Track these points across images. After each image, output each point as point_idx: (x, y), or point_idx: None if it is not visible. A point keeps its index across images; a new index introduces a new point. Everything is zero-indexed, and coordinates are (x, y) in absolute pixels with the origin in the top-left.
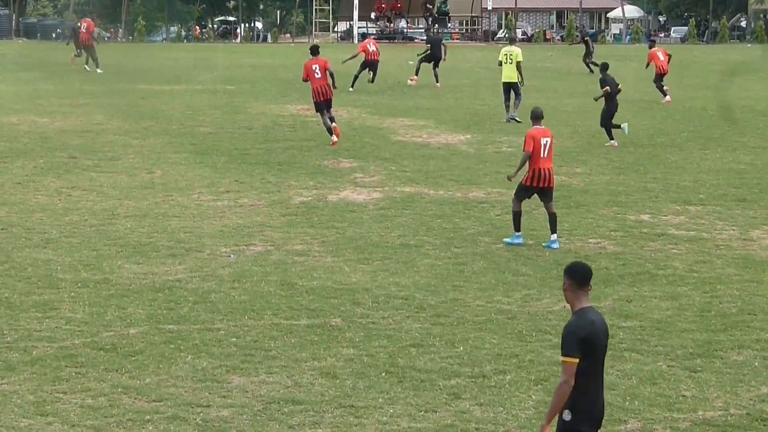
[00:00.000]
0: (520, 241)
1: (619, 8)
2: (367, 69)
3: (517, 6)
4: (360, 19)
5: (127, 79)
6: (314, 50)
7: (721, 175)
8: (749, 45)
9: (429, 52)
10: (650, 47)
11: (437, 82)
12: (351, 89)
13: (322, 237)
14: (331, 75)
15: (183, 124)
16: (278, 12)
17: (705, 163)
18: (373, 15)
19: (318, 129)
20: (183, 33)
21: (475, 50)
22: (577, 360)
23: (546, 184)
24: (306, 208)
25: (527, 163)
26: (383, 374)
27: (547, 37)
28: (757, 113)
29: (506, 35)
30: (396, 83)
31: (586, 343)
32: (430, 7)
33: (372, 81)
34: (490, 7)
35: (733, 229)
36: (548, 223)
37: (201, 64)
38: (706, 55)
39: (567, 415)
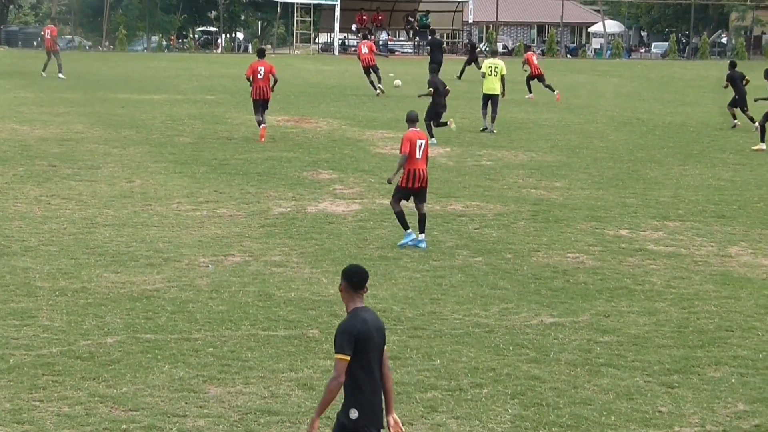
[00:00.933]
0: (411, 238)
1: (600, 23)
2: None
3: (498, 20)
4: (341, 30)
5: (107, 88)
6: (261, 53)
7: (701, 191)
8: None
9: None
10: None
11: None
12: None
13: (300, 248)
14: (275, 79)
15: (163, 133)
16: (259, 23)
17: (684, 179)
18: (354, 27)
19: (298, 140)
20: (164, 43)
21: (456, 63)
22: (348, 357)
23: (421, 185)
24: (285, 219)
25: (413, 162)
26: None
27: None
28: (736, 130)
29: (487, 48)
30: (376, 96)
31: (358, 341)
32: (412, 20)
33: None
34: (471, 21)
35: (712, 246)
36: (417, 223)
37: (182, 74)
38: (687, 71)
39: (353, 414)
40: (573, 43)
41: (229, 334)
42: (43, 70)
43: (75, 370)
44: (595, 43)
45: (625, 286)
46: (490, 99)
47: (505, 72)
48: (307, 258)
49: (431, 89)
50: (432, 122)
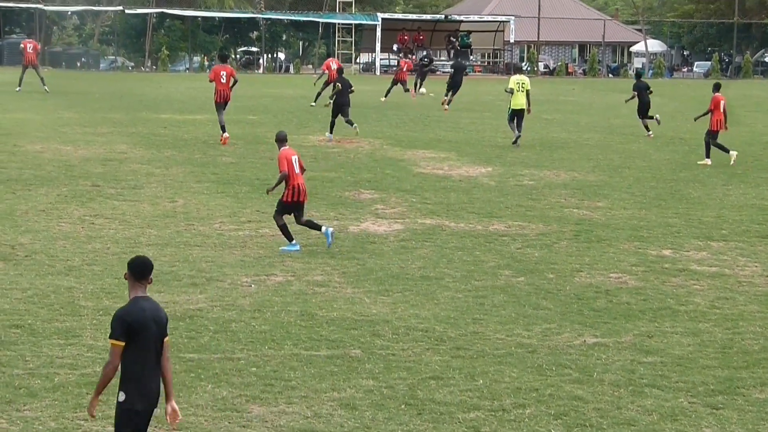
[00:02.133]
0: (296, 248)
1: (642, 42)
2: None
3: (540, 39)
4: (382, 50)
5: (150, 108)
6: (223, 58)
7: (744, 210)
8: None
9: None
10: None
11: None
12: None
13: (342, 268)
14: (235, 81)
15: (205, 153)
16: (301, 43)
17: (728, 198)
18: (395, 47)
19: (339, 160)
20: (206, 63)
21: (497, 83)
22: (121, 343)
23: (302, 198)
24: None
25: (285, 181)
26: (403, 406)
27: (570, 70)
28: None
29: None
30: (417, 115)
31: (132, 328)
32: (453, 39)
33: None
34: (512, 40)
35: (756, 266)
36: (310, 229)
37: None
38: (730, 90)
39: (121, 396)
40: (615, 62)
41: (271, 354)
42: (19, 85)
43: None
44: (637, 63)
45: (669, 306)
46: (516, 114)
47: (529, 87)
48: (349, 278)
49: (339, 85)
50: (335, 118)
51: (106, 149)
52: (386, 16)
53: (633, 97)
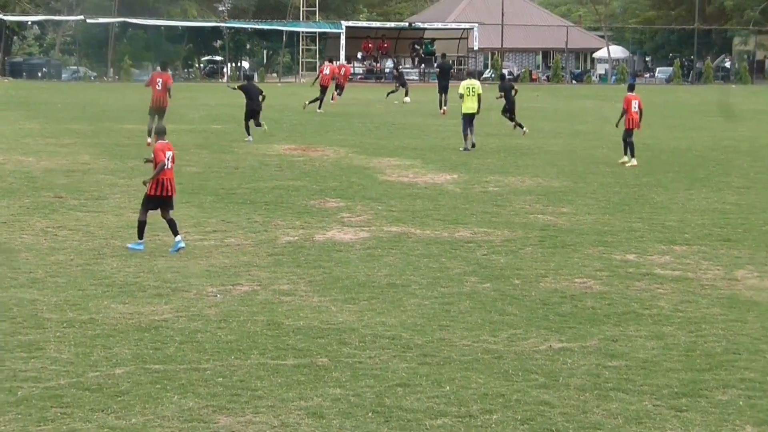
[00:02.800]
0: (141, 248)
1: (605, 49)
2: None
3: (503, 46)
4: (347, 59)
5: (113, 119)
6: (163, 65)
7: (707, 215)
8: (733, 86)
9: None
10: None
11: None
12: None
13: (308, 277)
14: (169, 90)
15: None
16: (265, 52)
17: (690, 203)
18: (359, 55)
19: (305, 169)
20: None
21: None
22: None
23: (168, 193)
24: (293, 247)
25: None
26: (370, 414)
27: (533, 77)
28: (741, 153)
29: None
30: (383, 123)
31: None
32: (418, 47)
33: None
34: (476, 47)
35: (718, 269)
36: (170, 230)
37: (188, 104)
38: (691, 95)
39: None
40: (578, 68)
41: (238, 364)
42: None
43: (84, 401)
44: (600, 69)
45: (633, 310)
46: (467, 118)
47: (481, 92)
48: (316, 286)
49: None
50: (248, 122)
51: (69, 160)
52: (350, 24)
53: (500, 97)
